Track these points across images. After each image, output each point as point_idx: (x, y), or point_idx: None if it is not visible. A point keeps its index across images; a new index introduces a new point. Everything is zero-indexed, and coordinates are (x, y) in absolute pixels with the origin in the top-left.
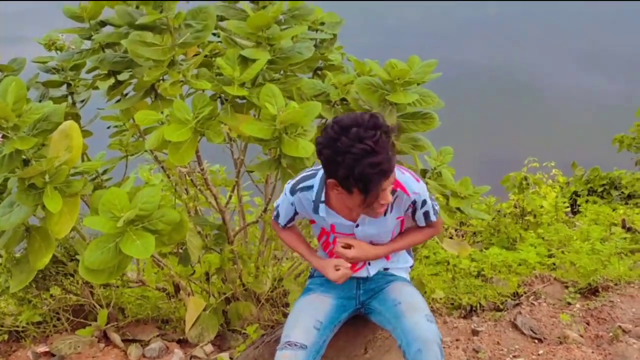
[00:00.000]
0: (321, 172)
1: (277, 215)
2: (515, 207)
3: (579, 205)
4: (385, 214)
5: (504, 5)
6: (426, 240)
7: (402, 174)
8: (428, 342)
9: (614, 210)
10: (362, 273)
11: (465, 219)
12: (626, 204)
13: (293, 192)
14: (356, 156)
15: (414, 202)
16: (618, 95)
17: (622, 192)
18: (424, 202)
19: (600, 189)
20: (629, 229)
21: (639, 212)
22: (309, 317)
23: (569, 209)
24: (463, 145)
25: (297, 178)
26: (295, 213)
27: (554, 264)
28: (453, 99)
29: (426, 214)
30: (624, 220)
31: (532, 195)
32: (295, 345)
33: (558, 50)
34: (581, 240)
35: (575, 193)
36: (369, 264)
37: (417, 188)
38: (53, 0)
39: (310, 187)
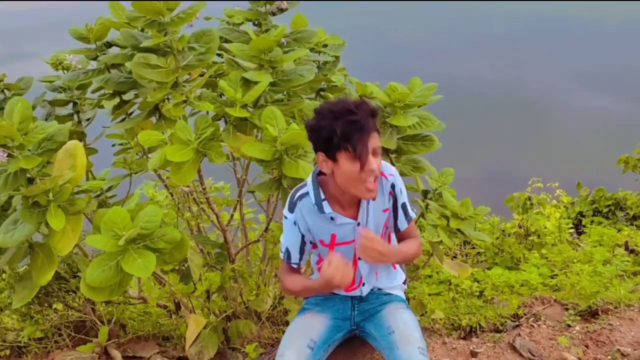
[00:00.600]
0: (309, 180)
1: (288, 256)
2: (520, 227)
3: (584, 226)
4: (368, 202)
5: (510, 24)
6: (418, 252)
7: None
8: None
9: (618, 231)
10: (356, 293)
11: (468, 239)
12: (631, 224)
13: (292, 206)
14: (336, 114)
15: (393, 186)
16: (624, 116)
17: (627, 213)
18: (401, 191)
19: (605, 210)
20: (632, 251)
21: None
22: (303, 337)
23: (572, 229)
24: (467, 163)
25: (289, 196)
26: (302, 236)
27: (557, 285)
28: (458, 117)
29: (404, 207)
30: (627, 242)
31: (535, 216)
32: None
33: (564, 69)
34: (584, 261)
35: (581, 213)
36: (363, 284)
37: (392, 170)
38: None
39: (306, 194)
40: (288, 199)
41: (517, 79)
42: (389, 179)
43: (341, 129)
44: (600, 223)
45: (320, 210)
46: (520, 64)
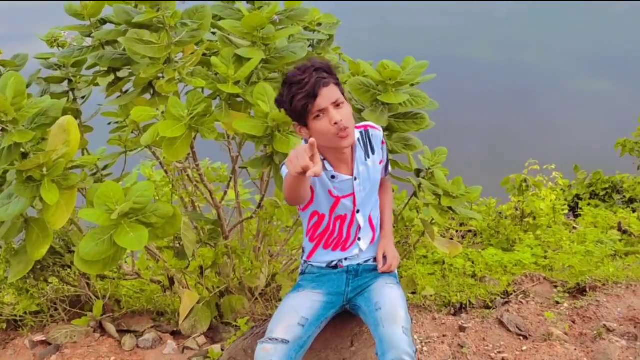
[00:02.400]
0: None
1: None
2: (516, 209)
3: (580, 209)
4: (369, 155)
5: (512, 7)
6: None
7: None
8: (401, 354)
9: (615, 213)
10: (352, 251)
11: (465, 220)
12: (628, 207)
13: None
14: (289, 85)
15: (383, 141)
16: (625, 100)
17: (624, 196)
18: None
19: (602, 193)
20: (624, 232)
21: (636, 216)
22: (294, 314)
23: (566, 211)
24: (466, 145)
25: None
26: None
27: (549, 265)
28: (457, 99)
29: (388, 162)
30: (620, 223)
31: (531, 198)
32: (277, 340)
33: (566, 52)
34: (578, 242)
35: (578, 196)
36: (359, 239)
37: (378, 126)
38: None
39: None
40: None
41: (519, 61)
42: (379, 130)
43: (294, 97)
44: (597, 206)
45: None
46: (523, 45)
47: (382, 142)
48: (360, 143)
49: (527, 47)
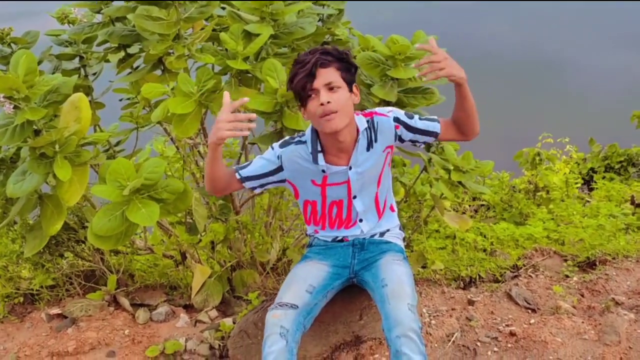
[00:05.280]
0: (308, 131)
1: (242, 167)
2: (529, 183)
3: (595, 182)
4: (372, 145)
5: None
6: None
7: (374, 109)
8: (406, 331)
9: (629, 187)
10: (355, 231)
11: (477, 194)
12: None
13: (285, 144)
14: (294, 66)
15: (395, 119)
16: None
17: None
18: (407, 115)
19: (617, 166)
20: (637, 205)
21: None
22: (302, 282)
23: (580, 184)
24: (481, 120)
25: (286, 137)
26: (277, 170)
27: (561, 238)
28: (474, 75)
29: (424, 120)
30: (632, 197)
31: (544, 172)
32: (286, 305)
33: (590, 28)
34: (590, 215)
35: (592, 169)
36: (361, 220)
37: (388, 109)
38: None
39: (304, 142)
40: (284, 138)
41: (537, 37)
42: (389, 116)
43: (295, 76)
44: (612, 179)
45: (314, 160)
46: (542, 21)
47: (396, 127)
48: (366, 132)
49: (542, 21)
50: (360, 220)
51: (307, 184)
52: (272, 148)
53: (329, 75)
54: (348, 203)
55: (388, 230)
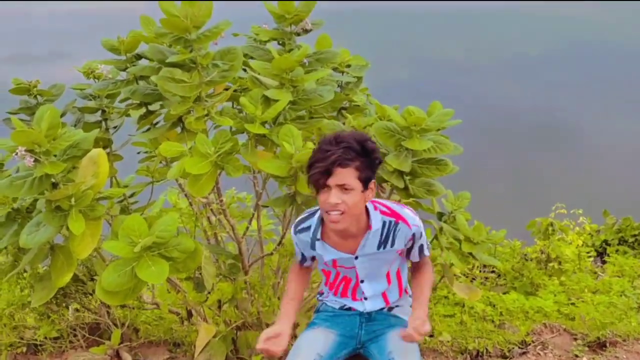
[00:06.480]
0: (319, 213)
1: (298, 255)
2: (541, 253)
3: (608, 255)
4: (385, 246)
5: (547, 47)
6: (433, 278)
7: (402, 209)
8: None
9: None
10: (358, 306)
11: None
12: None
13: (295, 232)
14: (316, 149)
15: (413, 235)
16: None
17: None
18: (421, 235)
19: (631, 239)
20: None
21: None
22: (310, 350)
23: (593, 257)
24: (495, 184)
25: (300, 217)
26: (302, 254)
27: (571, 313)
28: (489, 138)
29: (421, 248)
30: None
31: (557, 242)
32: None
33: (603, 95)
34: (603, 291)
35: (606, 242)
36: (366, 298)
37: (417, 221)
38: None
39: (308, 228)
40: (299, 217)
41: (554, 103)
42: (412, 229)
43: (312, 166)
44: (625, 252)
45: (312, 247)
46: (560, 88)
47: (410, 239)
48: (379, 232)
49: (559, 87)
50: (365, 299)
51: (322, 261)
52: (292, 233)
53: (344, 176)
54: (355, 284)
55: (397, 307)
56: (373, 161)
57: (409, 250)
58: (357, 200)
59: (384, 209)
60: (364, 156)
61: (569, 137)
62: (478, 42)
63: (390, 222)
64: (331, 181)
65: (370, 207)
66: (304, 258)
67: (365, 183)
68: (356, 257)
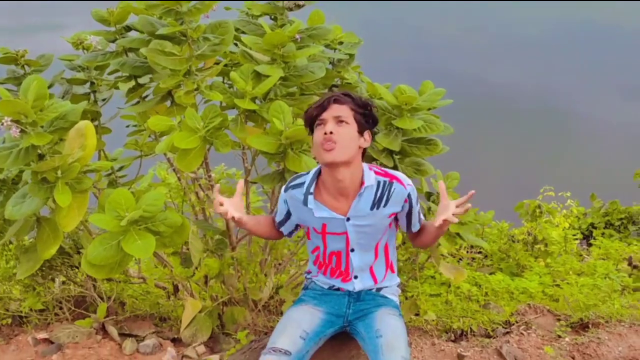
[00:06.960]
0: (313, 170)
1: (276, 212)
2: (528, 235)
3: (594, 238)
4: (379, 207)
5: (543, 29)
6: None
7: (395, 171)
8: None
9: (628, 245)
10: (348, 286)
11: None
12: None
13: (286, 189)
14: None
15: (409, 196)
16: None
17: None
18: (417, 200)
19: (617, 223)
20: (634, 267)
21: None
22: (296, 327)
23: (579, 240)
24: (485, 167)
25: (291, 178)
26: (289, 214)
27: (555, 295)
28: (484, 118)
29: (419, 214)
30: (630, 258)
31: (544, 224)
32: (280, 351)
33: (598, 79)
34: (587, 273)
35: (592, 225)
36: (356, 277)
37: (411, 182)
38: None
39: (302, 184)
40: (289, 179)
41: (549, 86)
42: (407, 188)
43: (310, 107)
44: (611, 236)
45: (305, 203)
46: (556, 70)
47: (405, 200)
48: (375, 190)
49: (556, 71)
50: (355, 277)
51: (312, 230)
52: (282, 190)
53: (340, 110)
54: (346, 255)
55: (385, 287)
56: (369, 113)
57: (409, 221)
58: (352, 135)
59: (379, 170)
60: (361, 107)
61: (562, 120)
62: (475, 22)
63: (384, 181)
64: (326, 114)
65: (365, 167)
66: (283, 221)
67: (360, 126)
68: (348, 219)
